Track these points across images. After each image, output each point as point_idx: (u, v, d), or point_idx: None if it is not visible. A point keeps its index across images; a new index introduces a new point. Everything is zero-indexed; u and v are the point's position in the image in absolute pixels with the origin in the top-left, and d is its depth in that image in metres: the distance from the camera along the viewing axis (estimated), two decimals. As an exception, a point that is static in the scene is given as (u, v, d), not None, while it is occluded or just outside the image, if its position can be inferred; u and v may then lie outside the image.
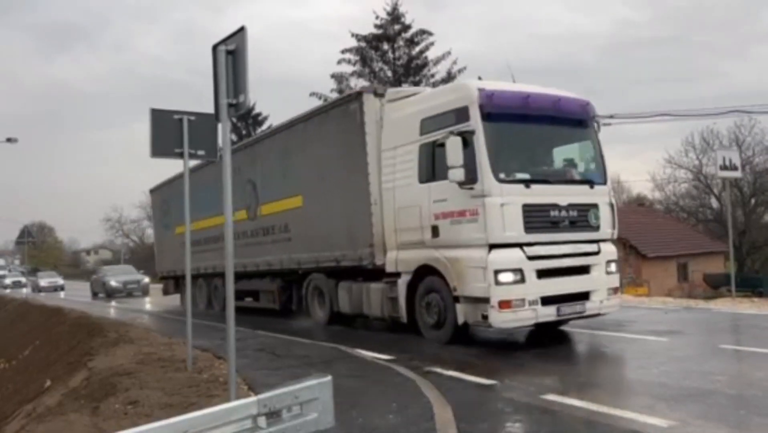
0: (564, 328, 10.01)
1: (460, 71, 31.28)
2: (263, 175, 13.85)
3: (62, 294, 36.76)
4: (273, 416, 3.67)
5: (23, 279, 46.48)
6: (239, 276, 11.40)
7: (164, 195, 20.02)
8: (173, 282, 20.14)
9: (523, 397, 5.99)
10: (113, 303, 24.68)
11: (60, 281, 44.05)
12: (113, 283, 29.61)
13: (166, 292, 20.73)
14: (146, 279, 30.95)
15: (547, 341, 9.29)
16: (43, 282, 42.68)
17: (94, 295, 30.40)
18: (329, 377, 3.94)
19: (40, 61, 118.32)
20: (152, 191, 22.27)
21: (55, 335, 15.06)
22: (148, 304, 24.01)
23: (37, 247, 55.62)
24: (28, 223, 38.25)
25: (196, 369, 7.87)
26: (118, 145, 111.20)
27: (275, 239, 13.40)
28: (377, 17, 32.08)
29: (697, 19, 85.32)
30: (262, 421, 3.61)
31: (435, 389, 6.32)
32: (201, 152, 7.97)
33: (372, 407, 5.80)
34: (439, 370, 7.34)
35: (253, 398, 3.69)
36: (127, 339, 10.74)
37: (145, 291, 29.61)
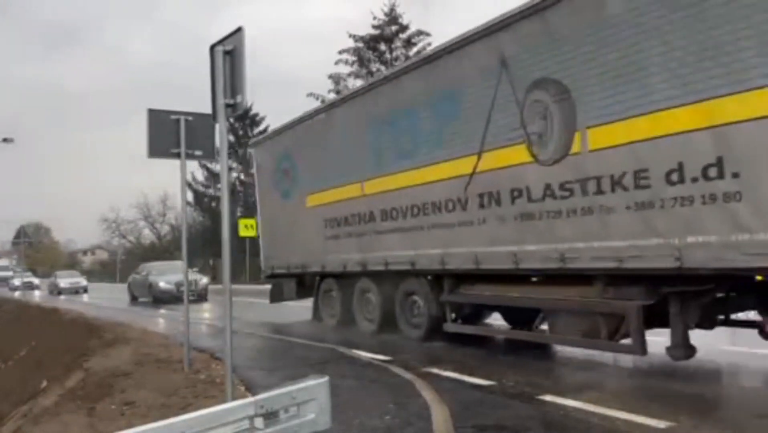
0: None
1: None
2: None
3: (86, 297, 32.65)
4: (270, 417, 3.65)
5: (35, 280, 43.09)
6: (503, 277, 7.95)
7: (284, 146, 12.57)
8: (293, 283, 13.19)
9: (520, 397, 5.99)
10: (163, 311, 19.18)
11: (83, 281, 38.61)
12: (162, 285, 22.48)
13: (275, 297, 13.88)
14: (204, 279, 24.48)
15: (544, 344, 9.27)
16: (64, 283, 37.33)
17: (134, 299, 24.98)
18: (326, 378, 3.93)
19: (35, 61, 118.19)
20: (257, 144, 14.69)
21: (52, 335, 15.03)
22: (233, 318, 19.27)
23: (34, 247, 55.10)
24: (24, 223, 37.42)
25: (193, 370, 7.86)
26: (115, 146, 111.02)
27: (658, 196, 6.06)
28: (374, 18, 32.17)
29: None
30: (259, 422, 3.60)
31: (432, 390, 6.32)
32: (198, 153, 7.97)
33: (369, 408, 5.80)
34: (436, 371, 7.34)
35: (250, 399, 3.68)
36: (124, 340, 10.72)
37: (202, 296, 22.59)
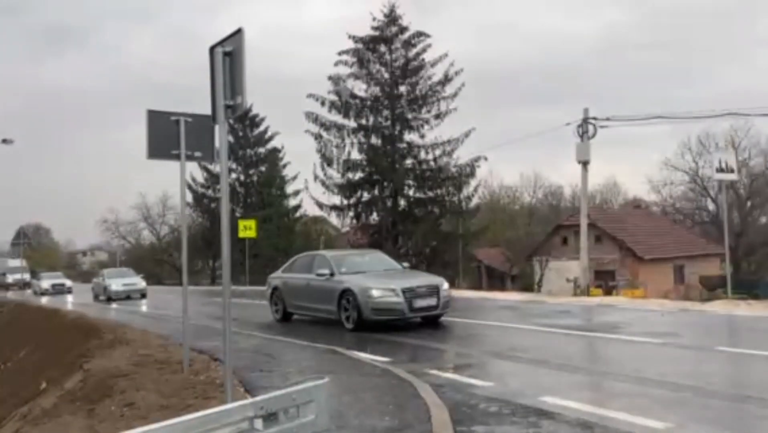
0: (559, 330, 10.01)
1: (457, 73, 31.35)
2: None
3: (70, 298, 31.26)
4: (269, 418, 3.66)
5: (68, 282, 37.42)
6: None
7: None
8: None
9: (520, 399, 5.99)
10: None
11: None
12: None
13: None
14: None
15: (543, 345, 9.29)
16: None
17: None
18: (326, 379, 3.93)
19: (34, 63, 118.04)
20: None
21: (51, 336, 15.03)
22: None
23: (33, 248, 54.93)
24: (24, 224, 36.99)
25: (193, 371, 7.85)
26: (114, 147, 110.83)
27: None
28: (374, 19, 32.11)
29: (689, 22, 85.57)
30: (258, 423, 3.60)
31: (432, 391, 6.31)
32: (198, 154, 7.96)
33: (368, 409, 5.79)
34: (436, 372, 7.34)
35: (249, 400, 3.69)
36: (124, 341, 10.72)
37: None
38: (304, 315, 13.02)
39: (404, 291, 10.94)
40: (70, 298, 30.83)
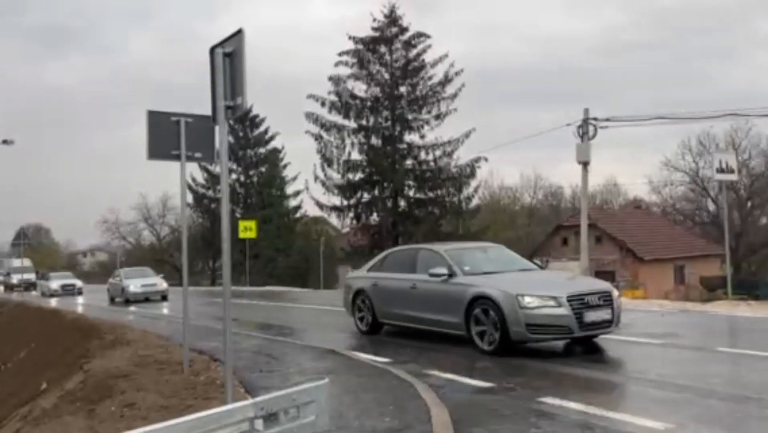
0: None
1: (457, 73, 31.37)
2: None
3: (81, 299, 29.99)
4: (270, 418, 3.66)
5: (78, 282, 36.24)
6: None
7: None
8: None
9: (520, 400, 5.99)
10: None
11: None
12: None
13: None
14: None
15: (542, 345, 9.28)
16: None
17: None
18: (326, 380, 3.94)
19: (34, 64, 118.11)
20: None
21: (51, 337, 15.03)
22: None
23: (33, 249, 54.89)
24: (24, 225, 36.83)
25: (193, 372, 7.85)
26: (114, 148, 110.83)
27: None
28: (374, 20, 32.14)
29: (687, 23, 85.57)
30: (258, 424, 3.60)
31: (432, 392, 6.31)
32: (198, 154, 7.96)
33: (369, 410, 5.79)
34: (436, 373, 7.34)
35: (249, 401, 3.69)
36: (124, 341, 10.72)
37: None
38: (403, 327, 10.41)
39: (570, 300, 8.14)
40: (80, 300, 29.52)
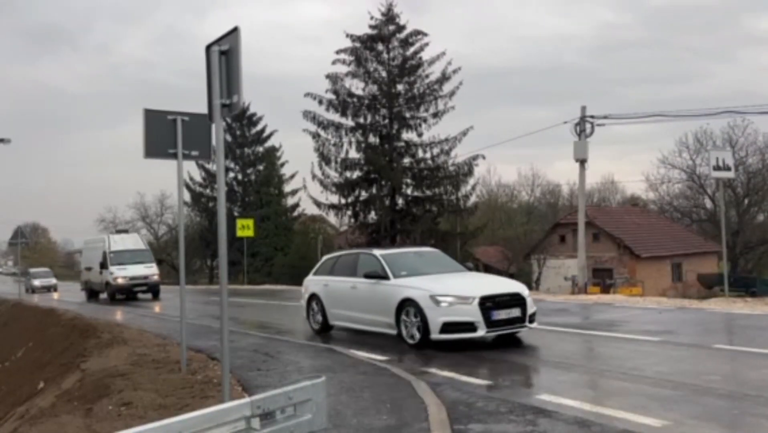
0: (556, 328, 10.00)
1: (454, 72, 31.33)
2: None
3: (55, 295, 34.13)
4: (267, 417, 3.66)
5: (53, 280, 42.26)
6: None
7: None
8: None
9: (517, 397, 6.00)
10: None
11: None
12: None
13: None
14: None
15: (540, 343, 9.29)
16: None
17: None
18: (323, 378, 3.93)
19: (27, 63, 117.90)
20: None
21: (49, 336, 15.00)
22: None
23: (31, 248, 54.82)
24: (21, 224, 36.76)
25: (190, 370, 7.85)
26: (110, 146, 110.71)
27: None
28: (372, 18, 32.07)
29: (679, 22, 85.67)
30: (255, 422, 3.60)
31: (429, 390, 6.32)
32: (195, 153, 7.95)
33: (366, 408, 5.80)
34: (433, 370, 7.34)
35: (246, 400, 3.68)
36: (121, 340, 10.70)
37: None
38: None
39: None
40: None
